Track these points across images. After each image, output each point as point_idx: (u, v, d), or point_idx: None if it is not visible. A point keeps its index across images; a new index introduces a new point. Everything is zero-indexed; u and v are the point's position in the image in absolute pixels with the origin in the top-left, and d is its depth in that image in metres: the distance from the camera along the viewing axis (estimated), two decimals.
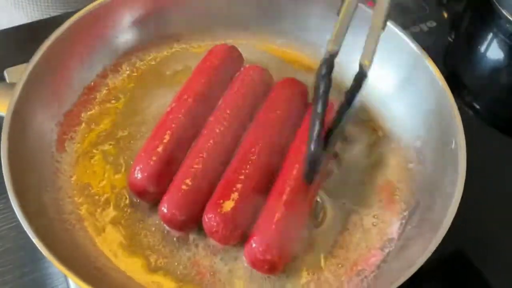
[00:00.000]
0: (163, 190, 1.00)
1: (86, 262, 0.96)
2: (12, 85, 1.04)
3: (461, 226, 0.92)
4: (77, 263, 0.92)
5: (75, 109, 1.14)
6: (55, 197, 1.03)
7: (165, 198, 0.98)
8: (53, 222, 0.98)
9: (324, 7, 1.21)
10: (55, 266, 0.86)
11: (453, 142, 1.02)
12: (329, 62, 0.93)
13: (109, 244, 1.00)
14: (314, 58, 1.22)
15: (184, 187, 0.98)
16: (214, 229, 0.95)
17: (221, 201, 0.96)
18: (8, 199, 0.91)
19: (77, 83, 1.16)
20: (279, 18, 1.25)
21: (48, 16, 1.55)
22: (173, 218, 0.97)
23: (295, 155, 1.02)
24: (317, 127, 0.89)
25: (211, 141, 1.03)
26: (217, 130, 1.04)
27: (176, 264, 0.98)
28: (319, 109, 0.90)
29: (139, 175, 0.99)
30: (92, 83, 1.18)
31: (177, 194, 0.98)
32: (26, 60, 1.07)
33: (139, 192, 1.02)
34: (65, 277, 1.00)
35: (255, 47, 1.25)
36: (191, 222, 0.99)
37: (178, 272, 0.98)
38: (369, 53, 0.96)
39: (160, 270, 0.98)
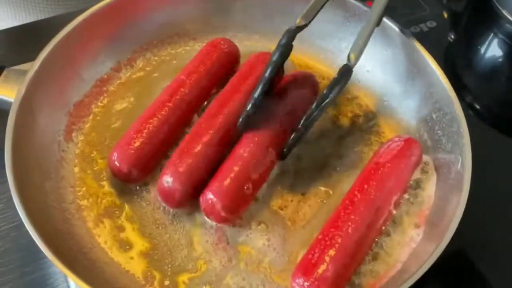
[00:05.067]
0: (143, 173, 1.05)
1: (79, 252, 0.97)
2: (24, 72, 1.05)
3: (462, 226, 0.92)
4: (69, 252, 0.94)
5: (86, 100, 1.16)
6: (57, 186, 1.04)
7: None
8: (51, 210, 0.99)
9: (340, 14, 1.21)
10: (40, 248, 0.87)
11: (459, 144, 1.03)
12: (291, 34, 1.03)
13: (105, 236, 1.01)
14: (329, 65, 1.24)
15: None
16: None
17: None
18: (9, 199, 0.91)
19: (90, 75, 1.17)
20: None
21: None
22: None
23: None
24: (259, 89, 1.01)
25: None
26: None
27: (170, 259, 0.99)
28: (267, 74, 1.01)
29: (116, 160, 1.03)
30: (105, 75, 1.20)
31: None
32: (26, 60, 1.07)
33: (117, 175, 1.05)
34: (65, 277, 1.01)
35: (270, 51, 1.24)
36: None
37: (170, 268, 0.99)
38: (358, 47, 1.04)
39: (153, 262, 0.99)
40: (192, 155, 1.01)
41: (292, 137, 1.05)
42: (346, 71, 1.02)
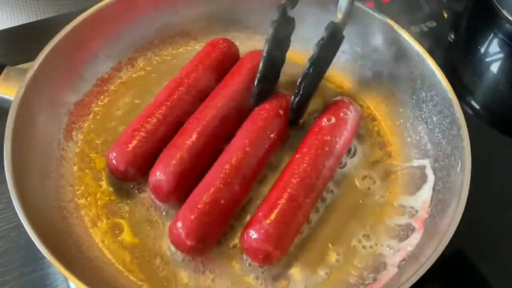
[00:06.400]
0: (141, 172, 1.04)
1: (77, 251, 0.97)
2: (24, 71, 1.05)
3: (462, 226, 0.92)
4: (68, 251, 0.94)
5: (86, 99, 1.16)
6: (57, 184, 1.04)
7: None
8: (50, 209, 1.00)
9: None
10: (38, 247, 0.87)
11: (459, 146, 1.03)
12: (281, 9, 1.07)
13: (103, 235, 1.01)
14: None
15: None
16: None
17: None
18: (9, 199, 0.91)
19: (91, 74, 1.17)
20: (297, 26, 1.24)
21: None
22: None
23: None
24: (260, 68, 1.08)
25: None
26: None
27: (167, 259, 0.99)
28: (264, 52, 1.06)
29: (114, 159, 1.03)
30: (106, 75, 1.20)
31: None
32: (26, 60, 1.07)
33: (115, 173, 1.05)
34: (65, 277, 1.00)
35: None
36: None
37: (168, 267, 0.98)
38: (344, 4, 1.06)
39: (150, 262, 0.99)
40: (180, 150, 1.01)
41: (291, 101, 1.08)
42: (333, 31, 1.06)
